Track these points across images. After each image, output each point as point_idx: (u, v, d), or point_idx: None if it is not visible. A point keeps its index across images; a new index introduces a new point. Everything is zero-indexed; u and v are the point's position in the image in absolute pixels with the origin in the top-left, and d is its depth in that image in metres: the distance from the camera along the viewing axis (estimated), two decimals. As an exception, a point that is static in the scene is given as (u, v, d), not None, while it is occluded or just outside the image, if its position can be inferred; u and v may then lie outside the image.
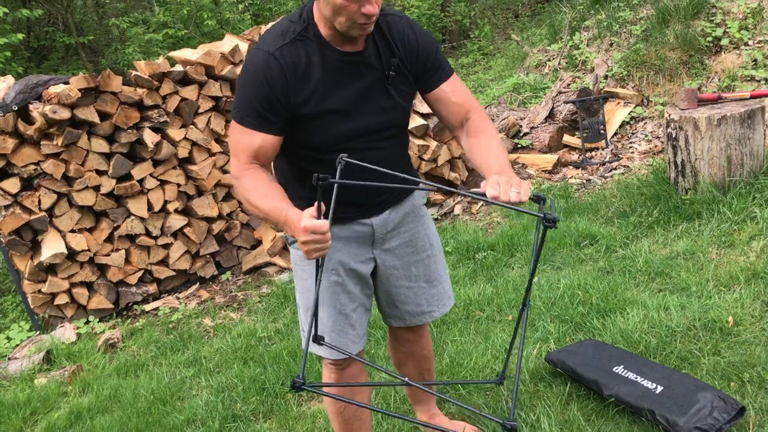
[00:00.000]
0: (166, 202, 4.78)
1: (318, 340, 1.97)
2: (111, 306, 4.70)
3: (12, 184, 4.37)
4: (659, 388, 2.49)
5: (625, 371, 2.64)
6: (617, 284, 3.50)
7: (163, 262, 4.88)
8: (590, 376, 2.67)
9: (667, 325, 3.01)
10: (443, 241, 4.59)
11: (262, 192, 1.87)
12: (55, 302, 4.56)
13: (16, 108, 4.34)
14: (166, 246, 4.85)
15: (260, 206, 1.87)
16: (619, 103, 6.08)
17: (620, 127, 5.94)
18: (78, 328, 4.53)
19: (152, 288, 4.84)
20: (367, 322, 2.26)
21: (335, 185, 1.72)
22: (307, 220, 1.70)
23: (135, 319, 4.68)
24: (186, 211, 4.91)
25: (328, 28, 1.87)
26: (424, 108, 5.25)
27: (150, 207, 4.72)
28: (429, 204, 5.41)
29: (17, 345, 4.49)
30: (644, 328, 3.02)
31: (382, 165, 1.89)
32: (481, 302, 3.64)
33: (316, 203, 1.72)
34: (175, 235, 4.87)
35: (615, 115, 5.99)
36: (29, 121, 4.40)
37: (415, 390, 2.62)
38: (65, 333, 4.42)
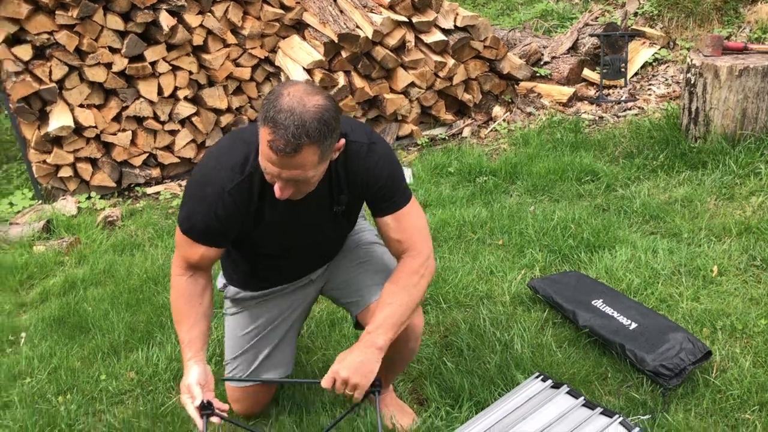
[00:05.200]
0: (176, 88, 4.76)
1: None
2: (113, 185, 4.77)
3: (24, 51, 4.35)
4: (633, 325, 2.55)
5: (603, 305, 2.70)
6: (611, 222, 3.53)
7: (169, 149, 4.91)
8: (568, 306, 2.74)
9: (652, 267, 3.06)
10: (447, 162, 4.60)
11: (185, 315, 1.94)
12: (59, 174, 4.62)
13: (33, -27, 4.27)
14: (173, 132, 4.87)
15: (177, 324, 1.95)
16: (644, 42, 5.94)
17: (642, 67, 5.83)
18: (79, 202, 4.60)
19: (155, 172, 4.89)
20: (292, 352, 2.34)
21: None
22: (192, 379, 1.84)
23: (136, 200, 4.75)
24: (195, 100, 4.90)
25: None
26: (447, 23, 5.14)
27: (160, 91, 4.70)
28: (438, 123, 5.38)
29: (19, 211, 4.59)
30: (629, 267, 3.07)
31: (317, 251, 2.17)
32: (474, 224, 3.69)
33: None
34: (182, 122, 4.88)
35: (638, 54, 5.86)
36: (45, -12, 4.34)
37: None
38: (66, 205, 4.50)
